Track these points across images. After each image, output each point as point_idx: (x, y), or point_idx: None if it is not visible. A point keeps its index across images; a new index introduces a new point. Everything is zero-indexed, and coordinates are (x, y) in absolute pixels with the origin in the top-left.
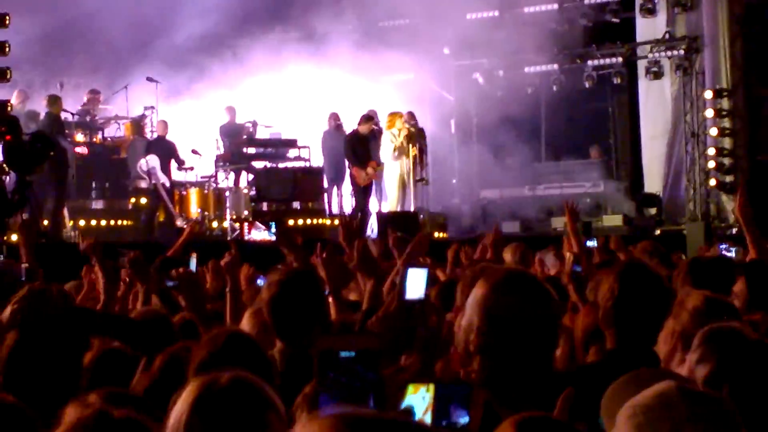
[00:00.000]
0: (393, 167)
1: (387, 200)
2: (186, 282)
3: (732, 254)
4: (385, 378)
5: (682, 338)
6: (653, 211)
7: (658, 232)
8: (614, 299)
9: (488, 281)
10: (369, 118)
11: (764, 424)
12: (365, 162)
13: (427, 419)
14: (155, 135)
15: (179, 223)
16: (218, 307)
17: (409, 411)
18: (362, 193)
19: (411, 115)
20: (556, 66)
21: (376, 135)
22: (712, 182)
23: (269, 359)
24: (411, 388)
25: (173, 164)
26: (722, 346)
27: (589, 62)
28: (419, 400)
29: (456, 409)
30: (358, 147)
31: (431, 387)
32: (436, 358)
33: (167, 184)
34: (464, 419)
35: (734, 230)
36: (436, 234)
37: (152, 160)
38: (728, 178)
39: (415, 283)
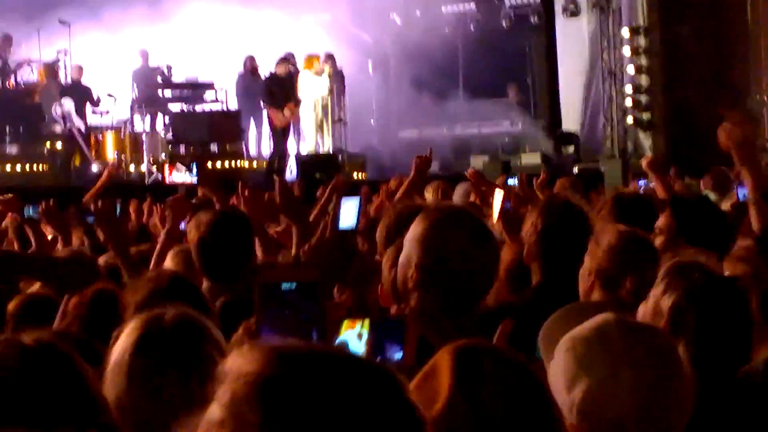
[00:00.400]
0: (310, 109)
1: (305, 141)
2: (105, 215)
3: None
4: (326, 309)
5: (599, 276)
6: (571, 149)
7: (576, 169)
8: (537, 233)
9: (429, 217)
10: (285, 59)
11: (728, 348)
12: (282, 104)
13: (363, 354)
14: (69, 79)
15: (95, 167)
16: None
17: (344, 346)
18: (280, 135)
19: (329, 56)
20: (473, 5)
21: (293, 76)
22: (630, 120)
23: (209, 302)
24: (346, 323)
25: (89, 108)
26: (687, 276)
27: (506, 1)
28: (354, 336)
29: (391, 345)
30: (275, 89)
31: (366, 322)
32: (368, 288)
33: (82, 129)
34: (398, 354)
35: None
36: (355, 174)
37: (67, 104)
38: (645, 116)
39: (348, 213)
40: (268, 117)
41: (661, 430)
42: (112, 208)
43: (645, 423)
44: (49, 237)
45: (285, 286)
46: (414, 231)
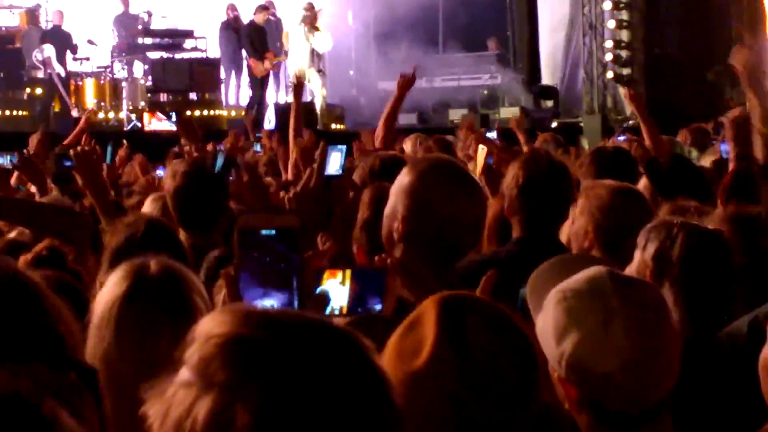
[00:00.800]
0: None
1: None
2: (84, 160)
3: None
4: (306, 258)
5: (599, 234)
6: (550, 103)
7: (555, 124)
8: (519, 187)
9: (416, 168)
10: (264, 7)
11: (710, 300)
12: (262, 53)
13: (343, 305)
14: (50, 24)
15: (75, 113)
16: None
17: (325, 296)
18: (259, 84)
19: (310, 6)
20: None
21: (273, 25)
22: (610, 75)
23: (185, 248)
24: (327, 273)
25: (69, 54)
26: (668, 228)
27: None
28: (335, 285)
29: (371, 296)
30: (255, 38)
31: (348, 273)
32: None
33: (62, 74)
34: (378, 306)
35: (630, 122)
36: (333, 125)
37: (47, 50)
38: (625, 71)
39: (334, 160)
40: (248, 66)
41: (650, 385)
42: (92, 153)
43: (633, 377)
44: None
45: (264, 232)
46: (401, 182)
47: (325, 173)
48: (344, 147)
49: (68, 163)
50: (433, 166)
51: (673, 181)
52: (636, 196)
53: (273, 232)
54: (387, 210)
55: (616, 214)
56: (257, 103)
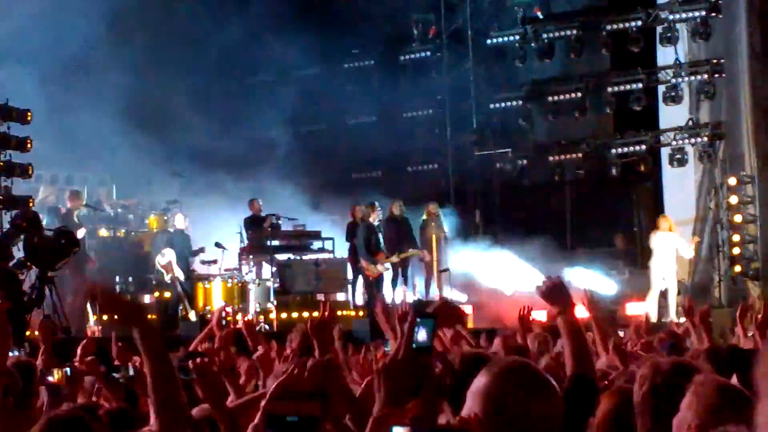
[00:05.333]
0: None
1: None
2: (202, 372)
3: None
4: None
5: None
6: (679, 299)
7: (683, 319)
8: (649, 390)
9: (491, 371)
10: (372, 205)
11: None
12: (375, 254)
13: None
14: (176, 228)
15: (192, 316)
16: None
17: None
18: (373, 284)
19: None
20: (581, 155)
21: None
22: (737, 269)
23: None
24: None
25: (197, 257)
26: None
27: (613, 150)
28: None
29: None
30: (368, 238)
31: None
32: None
33: (182, 278)
34: None
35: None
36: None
37: (168, 255)
38: (753, 265)
39: (423, 332)
40: (361, 267)
41: None
42: (210, 365)
43: None
44: None
45: (289, 419)
46: (477, 384)
47: (414, 345)
48: (432, 320)
49: (185, 377)
50: (508, 369)
51: None
52: (743, 398)
53: (296, 419)
54: (464, 411)
55: (720, 414)
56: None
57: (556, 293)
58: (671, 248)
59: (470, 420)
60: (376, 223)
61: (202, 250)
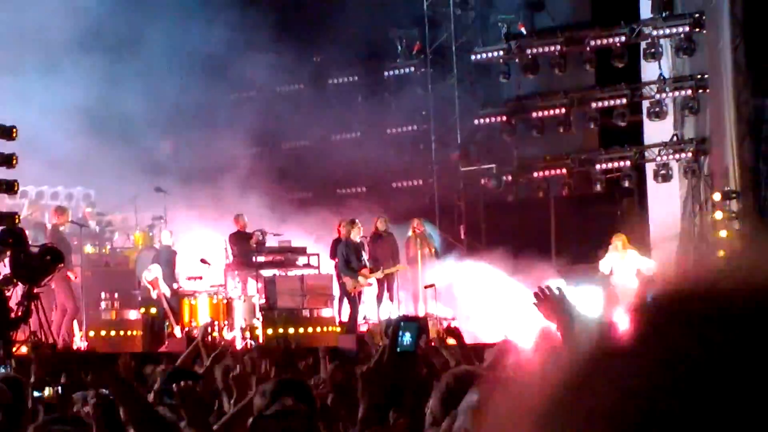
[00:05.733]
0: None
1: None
2: (187, 396)
3: None
4: None
5: None
6: None
7: None
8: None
9: (482, 387)
10: (352, 222)
11: None
12: (356, 270)
13: None
14: (162, 245)
15: (177, 332)
16: None
17: None
18: (355, 300)
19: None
20: (565, 170)
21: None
22: None
23: None
24: None
25: (183, 273)
26: None
27: (598, 166)
28: None
29: None
30: (347, 254)
31: None
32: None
33: (168, 294)
34: None
35: None
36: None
37: (154, 271)
38: None
39: (408, 337)
40: (341, 284)
41: None
42: (193, 389)
43: None
44: None
45: None
46: (468, 401)
47: (399, 349)
48: (416, 324)
49: (168, 401)
50: (498, 385)
51: None
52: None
53: None
54: (455, 427)
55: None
56: (352, 318)
57: (555, 308)
58: (629, 268)
59: None
60: (357, 240)
61: (199, 278)
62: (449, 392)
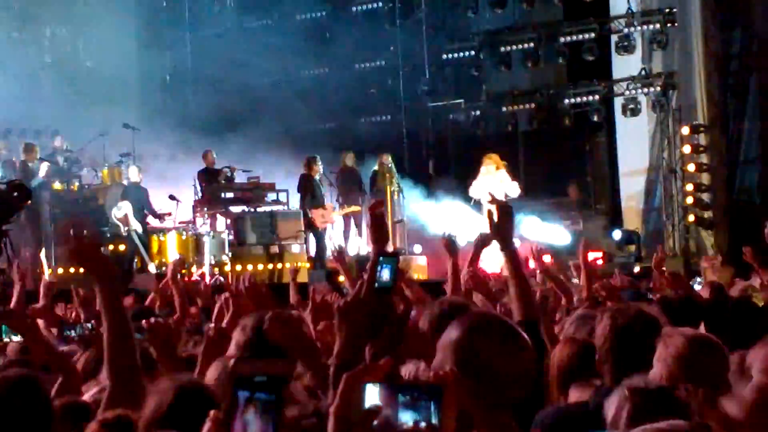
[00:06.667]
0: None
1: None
2: (156, 332)
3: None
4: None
5: (672, 382)
6: (633, 248)
7: (637, 269)
8: (609, 338)
9: (462, 324)
10: (313, 158)
11: None
12: (316, 207)
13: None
14: (130, 182)
15: (152, 268)
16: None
17: (376, 412)
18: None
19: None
20: (534, 105)
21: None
22: (691, 218)
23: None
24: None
25: (152, 209)
26: None
27: (566, 100)
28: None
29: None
30: (310, 189)
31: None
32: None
33: (139, 231)
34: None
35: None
36: (415, 275)
37: (124, 207)
38: (707, 214)
39: (386, 271)
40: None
41: None
42: (165, 326)
43: None
44: None
45: (257, 379)
46: (448, 337)
47: (377, 284)
48: (395, 259)
49: (139, 336)
50: (479, 322)
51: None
52: (713, 346)
53: (265, 378)
54: (435, 363)
55: (692, 363)
56: (319, 254)
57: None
58: (500, 190)
59: (447, 376)
60: (317, 177)
61: (168, 214)
62: (441, 318)
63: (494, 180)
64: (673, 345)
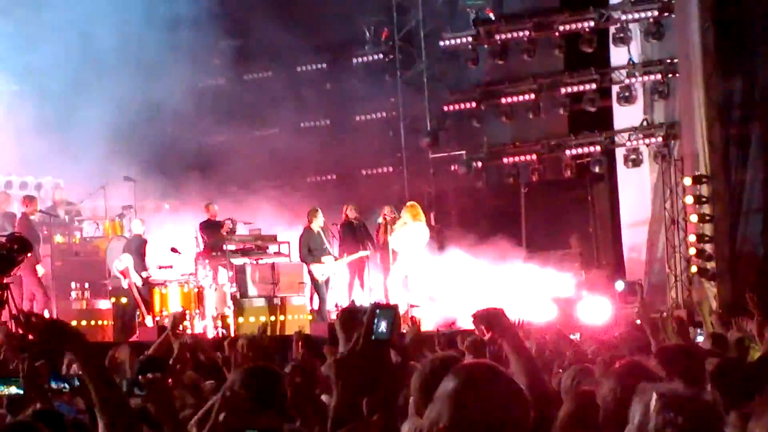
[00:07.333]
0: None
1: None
2: (155, 390)
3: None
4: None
5: None
6: (636, 299)
7: (639, 321)
8: (616, 401)
9: (458, 375)
10: (314, 210)
11: None
12: (316, 259)
13: None
14: (132, 234)
15: (149, 322)
16: None
17: None
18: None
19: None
20: (535, 156)
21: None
22: (694, 269)
23: None
24: None
25: (154, 262)
26: None
27: (568, 151)
28: None
29: None
30: (309, 242)
31: None
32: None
33: (139, 284)
34: None
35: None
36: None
37: (125, 260)
38: (710, 265)
39: (383, 324)
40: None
41: None
42: (164, 382)
43: None
44: None
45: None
46: (444, 388)
47: (373, 336)
48: (392, 311)
49: (138, 392)
50: (476, 373)
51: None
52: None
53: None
54: (431, 414)
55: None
56: (321, 306)
57: (493, 321)
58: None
59: None
60: (317, 229)
61: (169, 267)
62: (433, 377)
63: (408, 231)
64: (646, 401)
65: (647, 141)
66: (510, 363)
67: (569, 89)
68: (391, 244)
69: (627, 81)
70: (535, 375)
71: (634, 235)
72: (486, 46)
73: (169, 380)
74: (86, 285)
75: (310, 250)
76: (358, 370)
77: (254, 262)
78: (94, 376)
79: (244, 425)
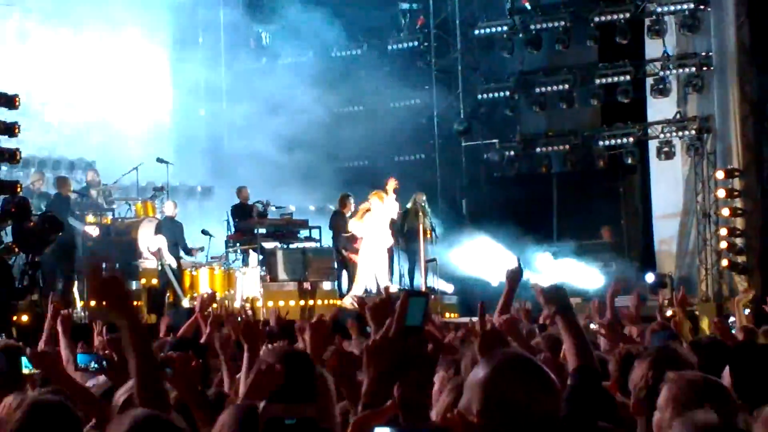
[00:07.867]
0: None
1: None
2: (181, 371)
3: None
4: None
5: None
6: (666, 291)
7: (669, 312)
8: (648, 387)
9: (489, 363)
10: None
11: None
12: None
13: None
14: (164, 215)
15: (185, 303)
16: None
17: None
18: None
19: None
20: (568, 146)
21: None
22: (724, 263)
23: None
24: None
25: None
26: None
27: (601, 143)
28: None
29: None
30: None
31: None
32: (427, 390)
33: (173, 265)
34: None
35: (747, 311)
36: (447, 315)
37: (158, 241)
38: (740, 259)
39: (415, 311)
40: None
41: None
42: (189, 363)
43: None
44: None
45: (287, 421)
46: (475, 376)
47: (406, 324)
48: (425, 299)
49: (168, 370)
50: (506, 361)
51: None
52: (718, 391)
53: (294, 421)
54: (462, 403)
55: (693, 408)
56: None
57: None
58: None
59: (454, 420)
60: (348, 214)
61: (201, 249)
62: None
63: (385, 211)
64: (677, 390)
65: (680, 134)
66: (564, 341)
67: (603, 80)
68: (419, 230)
69: (661, 73)
70: (588, 354)
71: (664, 228)
72: (521, 35)
73: (198, 360)
74: (117, 266)
75: (340, 234)
76: (389, 358)
77: (285, 246)
78: (138, 346)
79: (283, 414)
